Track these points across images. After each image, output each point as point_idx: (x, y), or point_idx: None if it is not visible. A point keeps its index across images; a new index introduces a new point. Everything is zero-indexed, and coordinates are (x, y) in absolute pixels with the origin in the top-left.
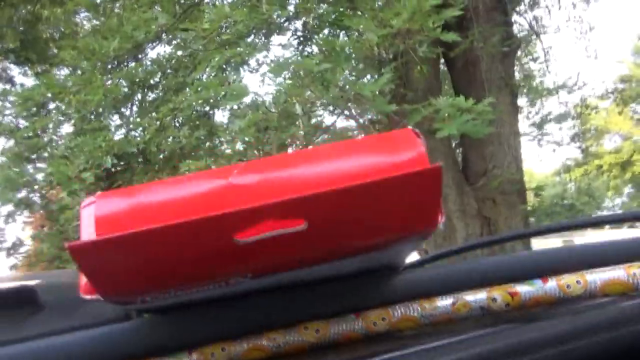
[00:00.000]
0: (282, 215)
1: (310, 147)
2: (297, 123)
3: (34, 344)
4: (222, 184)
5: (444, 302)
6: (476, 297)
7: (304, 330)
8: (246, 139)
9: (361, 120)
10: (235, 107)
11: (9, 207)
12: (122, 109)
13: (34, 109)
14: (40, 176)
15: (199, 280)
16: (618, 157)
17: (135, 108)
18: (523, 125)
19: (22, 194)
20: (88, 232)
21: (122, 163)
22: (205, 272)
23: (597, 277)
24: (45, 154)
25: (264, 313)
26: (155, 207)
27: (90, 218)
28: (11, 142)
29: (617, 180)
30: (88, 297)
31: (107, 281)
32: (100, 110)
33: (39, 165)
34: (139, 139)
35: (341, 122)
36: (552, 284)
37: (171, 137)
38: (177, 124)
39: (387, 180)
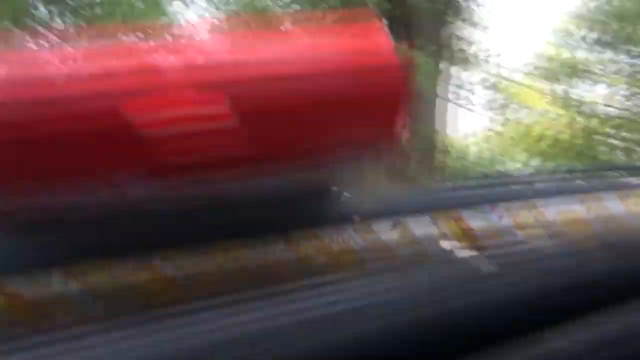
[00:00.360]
0: (202, 99)
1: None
2: None
3: None
4: (132, 61)
5: (387, 234)
6: (423, 229)
7: (219, 256)
8: None
9: None
10: None
11: None
12: None
13: None
14: None
15: (85, 174)
16: (530, 131)
17: None
18: (448, 89)
19: None
20: None
21: None
22: (93, 163)
23: (555, 212)
24: None
25: (171, 230)
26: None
27: None
28: None
29: (526, 153)
30: None
31: None
32: None
33: None
34: None
35: None
36: (507, 220)
37: None
38: None
39: (339, 70)
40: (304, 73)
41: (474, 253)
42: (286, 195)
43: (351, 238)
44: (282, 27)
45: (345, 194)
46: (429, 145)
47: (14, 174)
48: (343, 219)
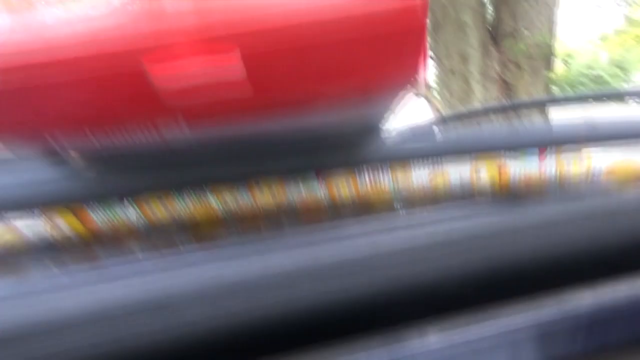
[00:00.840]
0: (212, 48)
1: None
2: None
3: None
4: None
5: (420, 173)
6: (457, 170)
7: (257, 191)
8: None
9: None
10: None
11: None
12: None
13: None
14: None
15: (113, 121)
16: None
17: None
18: None
19: None
20: None
21: None
22: (118, 112)
23: (604, 159)
24: None
25: (210, 168)
26: (45, 23)
27: None
28: None
29: None
30: None
31: None
32: None
33: None
34: None
35: None
36: (548, 163)
37: None
38: None
39: (354, 15)
40: (313, 18)
41: (509, 204)
42: (319, 134)
43: (384, 180)
44: None
45: (384, 133)
46: (537, 51)
47: (68, 120)
48: (379, 159)
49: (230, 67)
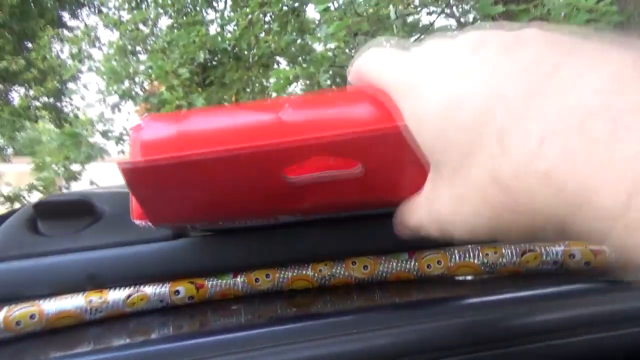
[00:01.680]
0: (332, 153)
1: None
2: (390, 27)
3: (89, 254)
4: (271, 118)
5: (509, 251)
6: (550, 250)
7: (352, 266)
8: (335, 44)
9: (462, 20)
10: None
11: (115, 98)
12: (215, 3)
13: (135, 1)
14: (141, 68)
15: (248, 215)
16: None
17: (228, 1)
18: None
19: (126, 85)
20: (134, 156)
21: (215, 59)
22: (254, 207)
23: None
24: (147, 47)
25: (311, 244)
26: (201, 135)
27: (136, 142)
28: (116, 35)
29: None
30: (139, 222)
31: (154, 208)
32: (195, 3)
33: (140, 57)
34: (230, 35)
35: (440, 22)
36: None
37: (262, 34)
38: (267, 20)
39: None
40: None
41: (605, 287)
42: None
43: (473, 255)
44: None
45: None
46: None
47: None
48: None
49: (350, 171)
